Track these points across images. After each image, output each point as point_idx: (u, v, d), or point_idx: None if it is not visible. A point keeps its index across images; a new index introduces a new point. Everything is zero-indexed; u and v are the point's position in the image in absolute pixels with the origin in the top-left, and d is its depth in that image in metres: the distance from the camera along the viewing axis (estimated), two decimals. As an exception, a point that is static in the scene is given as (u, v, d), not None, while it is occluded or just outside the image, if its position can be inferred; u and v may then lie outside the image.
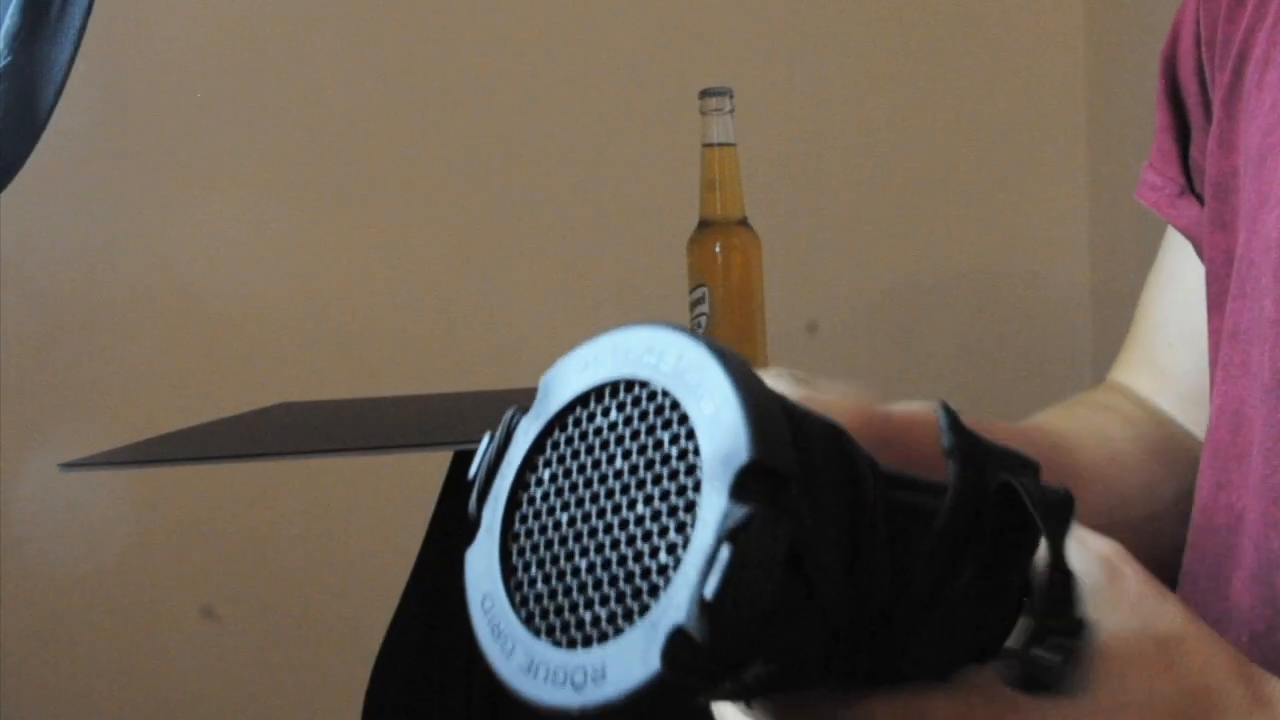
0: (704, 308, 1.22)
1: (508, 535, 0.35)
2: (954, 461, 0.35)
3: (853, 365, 1.82)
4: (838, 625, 0.33)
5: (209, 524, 1.76)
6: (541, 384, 0.36)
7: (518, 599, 0.34)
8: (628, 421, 0.33)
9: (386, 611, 1.17)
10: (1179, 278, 0.67)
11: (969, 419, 0.36)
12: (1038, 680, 0.36)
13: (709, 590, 0.29)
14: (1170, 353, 0.68)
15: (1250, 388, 0.52)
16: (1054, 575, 0.36)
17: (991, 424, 0.51)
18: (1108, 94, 1.83)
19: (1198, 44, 0.61)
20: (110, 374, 1.75)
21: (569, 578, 0.33)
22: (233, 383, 1.71)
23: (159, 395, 1.73)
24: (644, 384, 0.33)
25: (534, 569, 0.34)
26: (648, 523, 0.32)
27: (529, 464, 0.35)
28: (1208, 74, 0.61)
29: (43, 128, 0.85)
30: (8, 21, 0.82)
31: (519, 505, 0.35)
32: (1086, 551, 0.38)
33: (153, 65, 1.76)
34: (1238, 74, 0.57)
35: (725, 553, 0.29)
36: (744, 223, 1.25)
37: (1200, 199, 0.62)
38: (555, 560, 0.33)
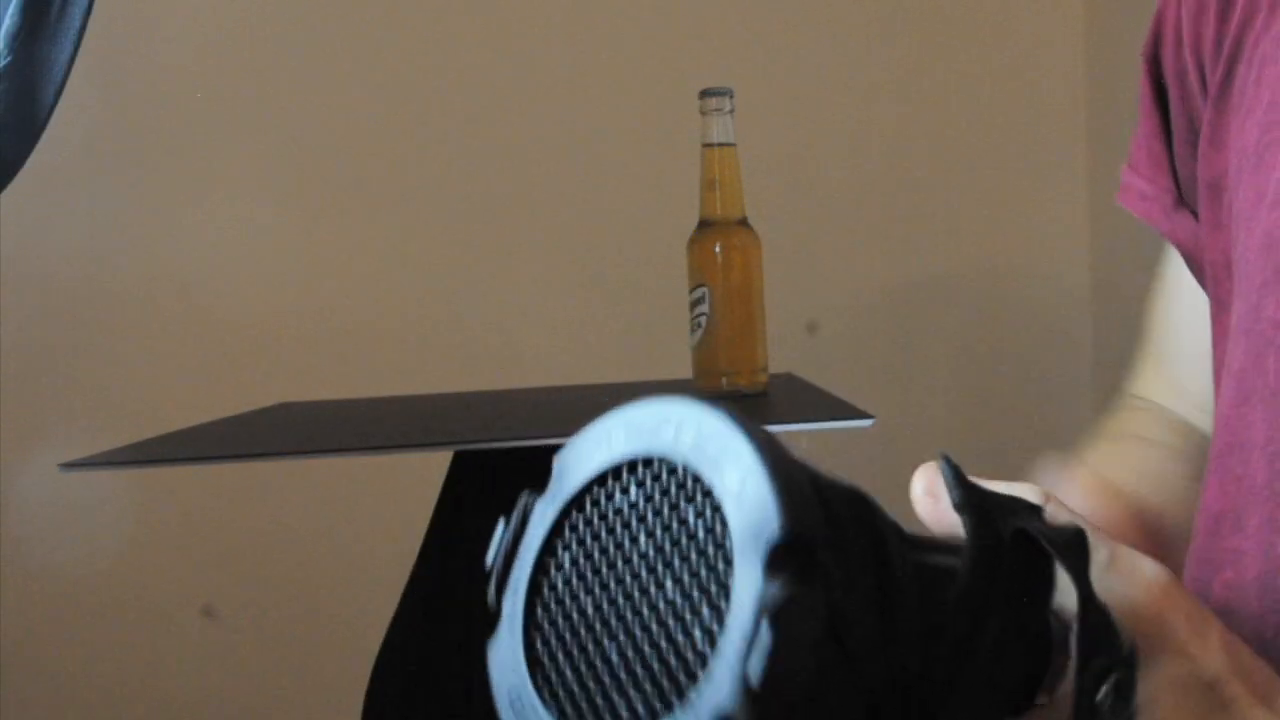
0: (704, 308, 1.22)
1: (530, 625, 0.34)
2: (967, 515, 0.35)
3: (853, 365, 1.82)
4: (875, 692, 0.32)
5: (209, 524, 1.76)
6: (555, 465, 0.35)
7: (546, 693, 0.33)
8: (649, 499, 0.32)
9: (386, 611, 1.17)
10: (1180, 290, 0.66)
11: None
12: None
13: (753, 675, 0.28)
14: (1182, 368, 0.67)
15: (1252, 389, 0.52)
16: (1088, 612, 0.36)
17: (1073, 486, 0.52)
18: (1108, 94, 1.83)
19: (1179, 45, 0.60)
20: (110, 374, 1.75)
21: (600, 667, 0.32)
22: (233, 383, 1.71)
23: (159, 395, 1.73)
24: (663, 459, 0.32)
25: (561, 660, 0.33)
26: (679, 605, 0.31)
27: (548, 548, 0.34)
28: (1194, 75, 0.59)
29: (43, 128, 0.85)
30: (8, 21, 0.82)
31: (539, 593, 0.34)
32: (1135, 579, 0.38)
33: (153, 65, 1.76)
34: (1229, 72, 0.57)
35: (766, 635, 0.28)
36: (744, 223, 1.25)
37: (1192, 210, 0.61)
38: (584, 650, 0.32)
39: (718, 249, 1.23)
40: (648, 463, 0.33)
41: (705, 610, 0.30)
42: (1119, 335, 1.91)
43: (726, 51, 1.82)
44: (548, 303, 1.81)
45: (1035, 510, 0.37)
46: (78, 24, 0.85)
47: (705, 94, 1.24)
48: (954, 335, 1.90)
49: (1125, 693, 0.36)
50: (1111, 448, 0.68)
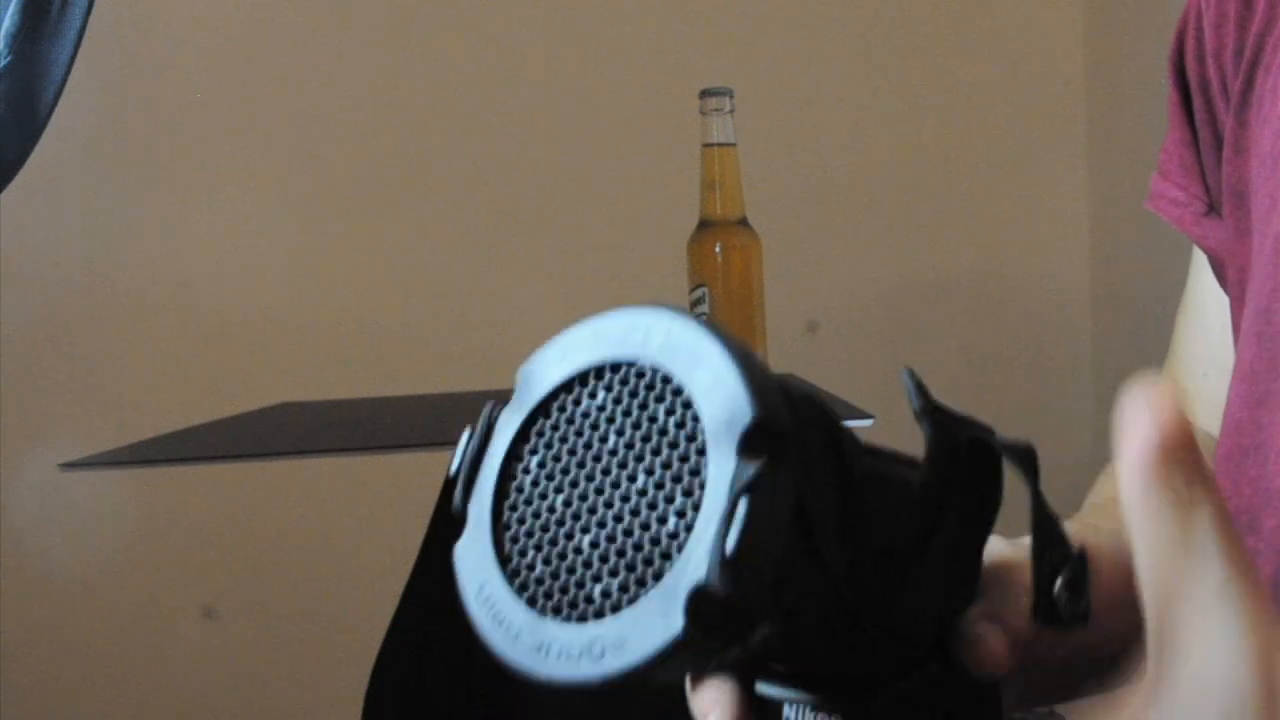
0: (704, 308, 1.22)
1: (498, 526, 0.34)
2: (927, 420, 0.38)
3: (853, 365, 1.82)
4: (836, 578, 0.34)
5: (209, 524, 1.76)
6: (520, 375, 0.36)
7: (516, 584, 0.33)
8: (617, 400, 0.33)
9: (386, 611, 1.17)
10: (1201, 305, 0.66)
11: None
12: (1056, 615, 0.37)
13: (730, 544, 0.29)
14: (1206, 383, 0.67)
15: (1267, 393, 0.52)
16: (1040, 515, 0.38)
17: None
18: (1108, 94, 1.83)
19: (1202, 54, 0.60)
20: (110, 374, 1.75)
21: (571, 556, 0.33)
22: (233, 383, 1.71)
23: (159, 395, 1.73)
24: (630, 364, 0.33)
25: (530, 553, 0.34)
26: (651, 493, 0.32)
27: (514, 455, 0.35)
28: (1216, 84, 0.60)
29: (43, 128, 0.85)
30: (8, 21, 0.82)
31: (506, 496, 0.35)
32: (1242, 647, 0.28)
33: (153, 65, 1.76)
34: (1249, 80, 0.57)
35: (742, 507, 0.30)
36: (744, 223, 1.25)
37: (1221, 217, 0.61)
38: (554, 542, 0.33)
39: (718, 249, 1.23)
40: (615, 368, 0.34)
41: (679, 496, 0.31)
42: (1119, 335, 1.91)
43: (726, 51, 1.82)
44: (548, 302, 1.81)
45: (988, 429, 0.39)
46: (78, 24, 0.85)
47: (705, 94, 1.24)
48: (954, 335, 1.90)
49: (1079, 586, 0.38)
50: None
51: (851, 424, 0.82)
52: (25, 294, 1.68)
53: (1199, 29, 0.60)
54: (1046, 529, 0.38)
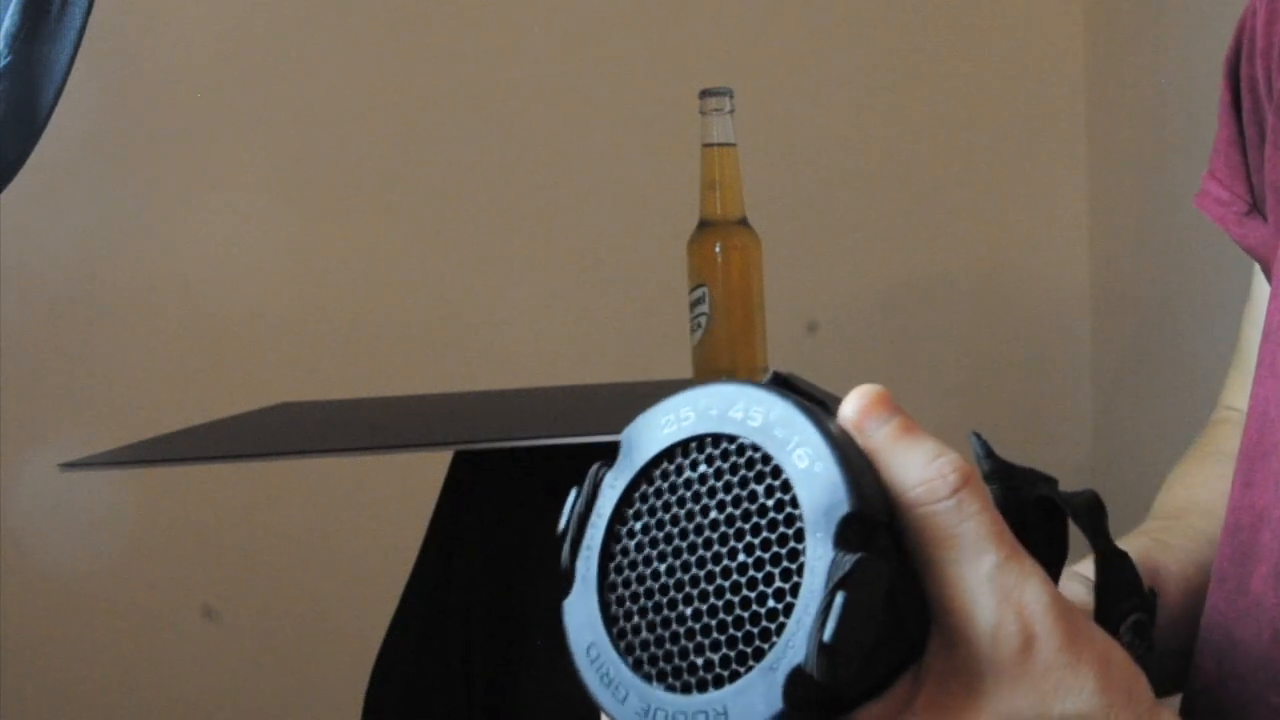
0: (704, 308, 1.22)
1: (604, 585, 0.36)
2: (996, 482, 0.39)
3: (853, 365, 1.82)
4: (920, 648, 0.35)
5: (209, 524, 1.76)
6: (624, 439, 0.37)
7: (623, 646, 0.35)
8: (719, 475, 0.35)
9: (386, 611, 1.17)
10: (1259, 301, 0.67)
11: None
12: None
13: (827, 634, 0.31)
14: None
15: (1276, 388, 0.52)
16: (1109, 560, 0.39)
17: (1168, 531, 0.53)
18: (1108, 94, 1.83)
19: (1254, 54, 0.60)
20: (110, 374, 1.75)
21: (675, 625, 0.34)
22: (233, 383, 1.71)
23: (159, 395, 1.73)
24: (732, 438, 0.35)
25: (636, 617, 0.35)
26: (752, 571, 0.33)
27: (618, 516, 0.36)
28: (1262, 82, 0.60)
29: (43, 128, 0.85)
30: (8, 21, 0.82)
31: (613, 557, 0.36)
32: (1007, 609, 0.35)
33: (153, 65, 1.76)
34: None
35: (839, 599, 0.31)
36: (744, 223, 1.25)
37: (1264, 216, 0.62)
38: (659, 609, 0.35)
39: (718, 249, 1.23)
40: (716, 441, 0.35)
41: (778, 577, 0.33)
42: (1119, 335, 1.91)
43: (726, 51, 1.82)
44: (548, 303, 1.81)
45: (1052, 482, 0.40)
46: (78, 24, 0.85)
47: (705, 94, 1.24)
48: (954, 335, 1.90)
49: (1145, 632, 0.40)
50: (1210, 470, 0.69)
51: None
52: (25, 294, 1.68)
53: (1253, 29, 0.60)
54: (1115, 572, 0.39)
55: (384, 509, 1.64)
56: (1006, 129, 1.89)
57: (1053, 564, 0.40)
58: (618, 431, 0.37)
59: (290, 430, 1.16)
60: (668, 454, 0.36)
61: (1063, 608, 0.35)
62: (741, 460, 0.35)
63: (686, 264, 1.25)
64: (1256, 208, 0.63)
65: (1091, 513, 0.39)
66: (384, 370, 1.76)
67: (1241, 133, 0.63)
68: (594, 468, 0.38)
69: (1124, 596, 0.39)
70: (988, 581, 0.35)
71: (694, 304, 1.23)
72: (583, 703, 0.36)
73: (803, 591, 0.32)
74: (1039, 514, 0.39)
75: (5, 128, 0.83)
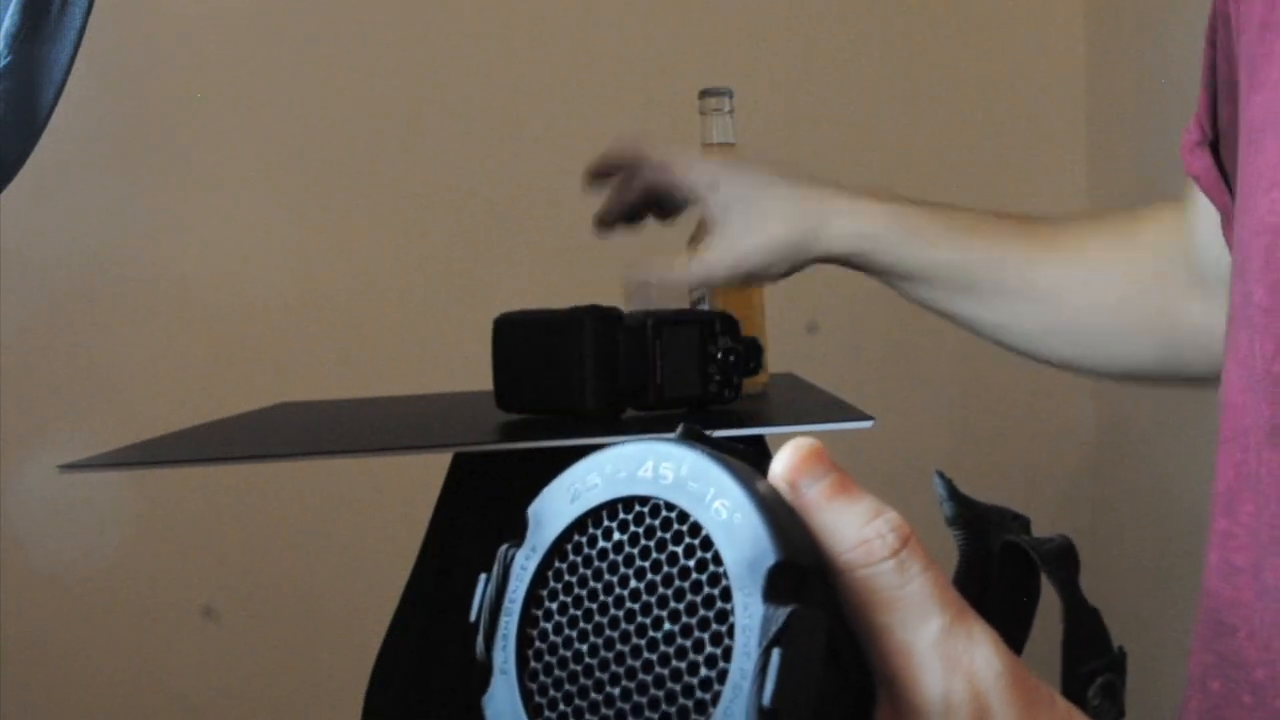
0: (704, 308, 1.22)
1: (524, 674, 0.34)
2: (958, 529, 0.37)
3: (853, 365, 1.82)
4: (861, 698, 0.33)
5: (209, 524, 1.76)
6: (531, 514, 0.35)
7: None
8: (634, 540, 0.33)
9: (386, 612, 1.17)
10: (1194, 217, 0.72)
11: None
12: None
13: (766, 697, 0.29)
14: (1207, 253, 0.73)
15: (1237, 374, 0.52)
16: (1077, 618, 0.37)
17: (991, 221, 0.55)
18: (1108, 93, 1.83)
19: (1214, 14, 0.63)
20: (110, 374, 1.75)
21: (604, 709, 0.32)
22: (233, 383, 1.71)
23: (159, 395, 1.73)
24: (644, 499, 0.33)
25: (562, 705, 0.33)
26: (680, 639, 0.31)
27: (533, 599, 0.34)
28: (1221, 42, 0.62)
29: (43, 128, 0.85)
30: (8, 21, 0.82)
31: (531, 642, 0.34)
32: (956, 677, 0.33)
33: (153, 65, 1.76)
34: (1251, 42, 0.58)
35: (775, 657, 0.29)
36: (744, 223, 1.25)
37: (1217, 152, 0.65)
38: (584, 693, 0.32)
39: (718, 249, 1.23)
40: (628, 505, 0.33)
41: (708, 642, 0.31)
42: (1119, 335, 1.91)
43: (726, 51, 1.82)
44: (548, 303, 1.80)
45: (1023, 522, 0.38)
46: (78, 24, 0.85)
47: (705, 94, 1.24)
48: (954, 335, 1.89)
49: (1114, 694, 0.37)
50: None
51: (851, 425, 0.82)
52: (25, 294, 1.68)
53: None
54: (1085, 628, 0.37)
55: (384, 509, 1.64)
56: (1006, 129, 1.88)
57: (1023, 613, 0.38)
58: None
59: (290, 430, 1.16)
60: (578, 525, 0.34)
61: (1017, 675, 0.33)
62: (656, 522, 0.32)
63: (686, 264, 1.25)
64: (1214, 143, 0.65)
65: (1061, 561, 0.37)
66: (384, 370, 1.76)
67: (1213, 74, 0.65)
68: (502, 549, 0.35)
69: (1092, 655, 0.37)
70: (933, 648, 0.32)
71: (694, 304, 1.23)
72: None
73: (736, 654, 0.30)
74: (1006, 560, 0.37)
75: (5, 128, 0.83)
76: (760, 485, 0.32)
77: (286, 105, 1.79)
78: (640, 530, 0.33)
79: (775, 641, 0.29)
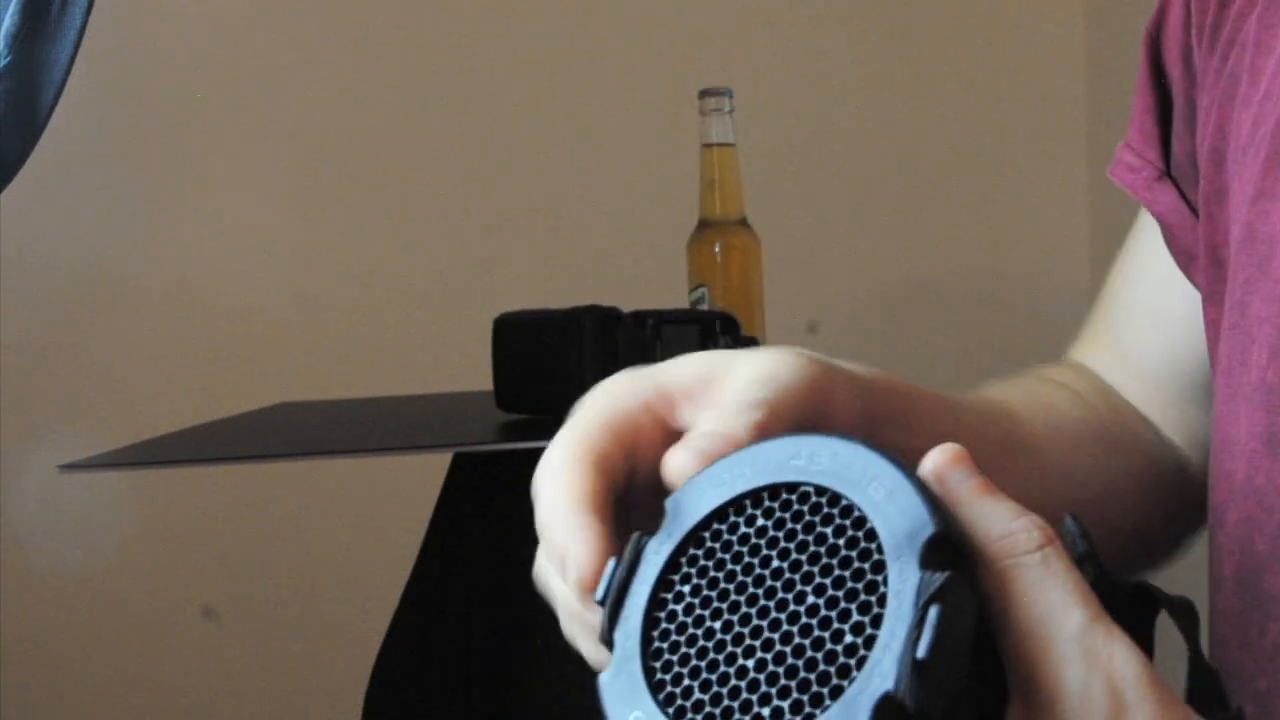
0: (704, 308, 1.22)
1: (647, 654, 0.33)
2: (1089, 564, 0.36)
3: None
4: (1002, 700, 0.33)
5: (209, 524, 1.76)
6: (669, 505, 0.35)
7: (672, 711, 0.32)
8: (779, 525, 0.33)
9: (386, 612, 1.17)
10: (1150, 260, 0.66)
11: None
12: None
13: (922, 649, 0.29)
14: (1136, 333, 0.68)
15: (1237, 386, 0.52)
16: (1196, 673, 0.37)
17: (933, 393, 0.52)
18: (1108, 93, 1.83)
19: (1187, 28, 0.61)
20: (110, 374, 1.75)
21: (735, 679, 0.32)
22: (233, 383, 1.70)
23: (159, 395, 1.73)
24: (793, 486, 0.33)
25: (688, 680, 0.32)
26: (824, 610, 0.31)
27: (663, 583, 0.34)
28: (1196, 59, 0.60)
29: (43, 128, 0.85)
30: (8, 21, 0.82)
31: (657, 624, 0.34)
32: (1095, 673, 0.32)
33: (153, 65, 1.76)
34: (1225, 58, 0.57)
35: (934, 613, 0.29)
36: (744, 223, 1.25)
37: (1177, 183, 0.62)
38: (714, 666, 0.32)
39: (718, 249, 1.23)
40: (774, 493, 0.33)
41: (854, 611, 0.31)
42: (1119, 335, 1.91)
43: (726, 51, 1.82)
44: (548, 302, 1.80)
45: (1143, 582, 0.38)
46: (78, 24, 0.85)
47: (705, 94, 1.24)
48: (954, 335, 1.90)
49: None
50: (1008, 379, 0.68)
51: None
52: (25, 294, 1.68)
53: (1186, 1, 0.60)
54: (1205, 686, 0.37)
55: (384, 509, 1.64)
56: (1006, 129, 1.88)
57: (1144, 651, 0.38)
58: None
59: (290, 430, 1.16)
60: (718, 514, 0.34)
61: (1154, 677, 0.33)
62: (805, 507, 0.33)
63: (686, 264, 1.25)
64: (1169, 174, 0.63)
65: (1187, 617, 0.37)
66: (384, 370, 1.76)
67: (1161, 102, 0.63)
68: (634, 536, 0.35)
69: (1212, 710, 0.36)
70: (1074, 642, 0.32)
71: (694, 304, 1.23)
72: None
73: (886, 618, 0.30)
74: (1130, 602, 0.37)
75: (5, 128, 0.83)
76: (914, 472, 0.32)
77: (286, 105, 1.79)
78: (787, 515, 0.33)
79: (933, 599, 0.29)
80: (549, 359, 1.00)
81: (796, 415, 0.39)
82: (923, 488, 0.32)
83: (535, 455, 0.42)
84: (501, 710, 1.04)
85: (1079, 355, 0.72)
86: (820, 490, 0.32)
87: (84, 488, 1.55)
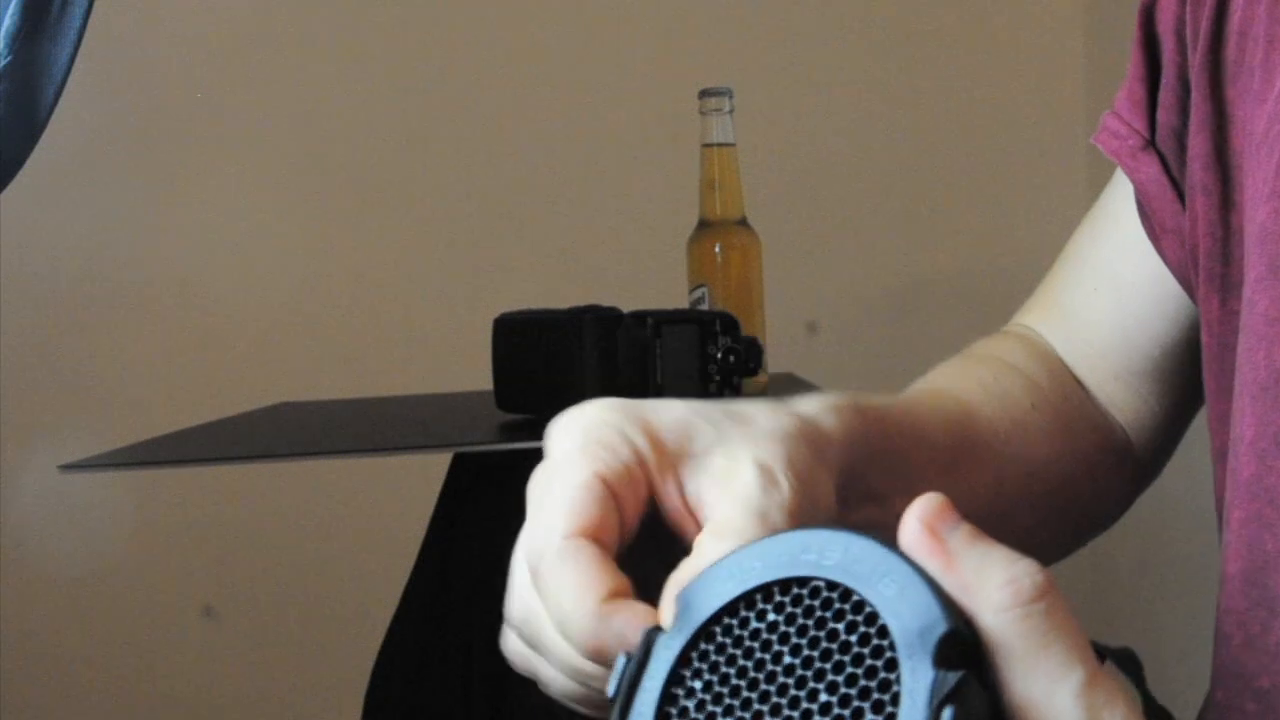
0: (704, 308, 1.22)
1: None
2: None
3: (853, 365, 1.82)
4: None
5: (209, 524, 1.76)
6: (679, 599, 0.35)
7: None
8: (790, 620, 0.32)
9: (386, 611, 1.17)
10: (1120, 226, 0.65)
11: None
12: None
13: None
14: (1090, 298, 0.67)
15: (1245, 384, 0.52)
16: (1155, 715, 0.37)
17: (895, 418, 0.51)
18: (1108, 94, 1.83)
19: (1182, 2, 0.60)
20: (110, 374, 1.75)
21: None
22: (233, 383, 1.71)
23: (159, 395, 1.73)
24: (804, 581, 0.33)
25: None
26: (837, 708, 0.31)
27: (674, 679, 0.34)
28: (1189, 32, 0.60)
29: (43, 128, 0.85)
30: (8, 21, 0.82)
31: (668, 718, 0.33)
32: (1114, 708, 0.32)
33: (153, 65, 1.76)
34: (1218, 38, 0.57)
35: (948, 715, 0.29)
36: (744, 223, 1.25)
37: (1161, 155, 0.62)
38: None
39: (718, 249, 1.23)
40: (785, 587, 0.33)
41: (868, 711, 0.30)
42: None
43: (726, 51, 1.82)
44: (548, 302, 1.80)
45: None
46: (78, 24, 0.85)
47: (705, 94, 1.25)
48: (954, 335, 1.89)
49: None
50: (963, 364, 0.67)
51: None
52: (25, 294, 1.68)
53: None
54: None
55: (384, 510, 1.64)
56: (1006, 129, 1.88)
57: None
58: None
59: (290, 430, 1.16)
60: (729, 608, 0.33)
61: None
62: (817, 602, 0.32)
63: (686, 264, 1.25)
64: (1154, 144, 0.62)
65: (1131, 664, 0.36)
66: (384, 370, 1.76)
67: (1151, 71, 0.63)
68: (645, 630, 0.35)
69: None
70: (1075, 699, 0.31)
71: (694, 304, 1.23)
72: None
73: (900, 717, 0.29)
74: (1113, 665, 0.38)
75: (5, 128, 0.83)
76: (923, 568, 0.32)
77: (286, 106, 1.79)
78: (799, 610, 0.33)
79: (947, 699, 0.29)
80: (549, 359, 1.00)
81: (795, 515, 0.39)
82: (933, 583, 0.31)
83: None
84: (502, 710, 1.04)
85: (1029, 317, 0.71)
86: (832, 585, 0.32)
87: (84, 488, 1.55)
